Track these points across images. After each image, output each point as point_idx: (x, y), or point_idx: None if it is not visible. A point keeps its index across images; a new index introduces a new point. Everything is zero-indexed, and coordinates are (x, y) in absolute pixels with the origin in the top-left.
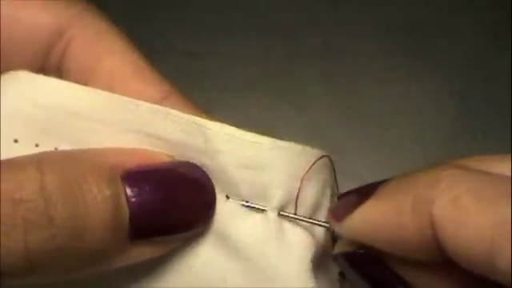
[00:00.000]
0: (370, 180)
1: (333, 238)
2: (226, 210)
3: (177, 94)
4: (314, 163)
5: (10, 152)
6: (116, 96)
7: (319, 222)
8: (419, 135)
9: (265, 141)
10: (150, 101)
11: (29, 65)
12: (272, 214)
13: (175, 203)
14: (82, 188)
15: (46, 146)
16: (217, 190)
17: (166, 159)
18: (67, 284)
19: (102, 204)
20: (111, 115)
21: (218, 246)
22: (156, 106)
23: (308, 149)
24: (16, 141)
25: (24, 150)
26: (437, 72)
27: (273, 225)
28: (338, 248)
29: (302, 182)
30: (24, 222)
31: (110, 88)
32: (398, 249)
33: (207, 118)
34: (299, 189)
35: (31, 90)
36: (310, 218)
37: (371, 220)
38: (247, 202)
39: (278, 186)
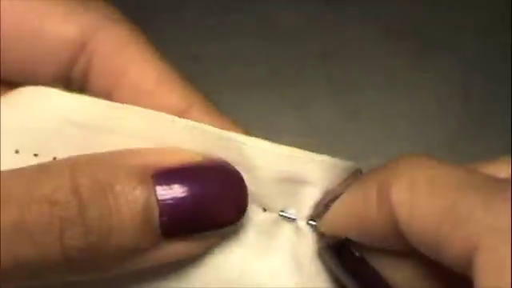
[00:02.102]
0: None
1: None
2: (262, 220)
3: (201, 103)
4: (348, 178)
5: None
6: (151, 112)
7: None
8: (421, 137)
9: (300, 154)
10: (173, 111)
11: (53, 76)
12: (301, 223)
13: (206, 200)
14: (114, 188)
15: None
16: (253, 203)
17: (198, 158)
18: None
19: (132, 203)
20: (146, 131)
21: (254, 258)
22: (192, 123)
23: (340, 162)
24: (36, 155)
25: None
26: (438, 74)
27: (302, 234)
28: (320, 243)
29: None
30: (60, 220)
31: (135, 99)
32: (368, 238)
33: (233, 126)
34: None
35: (55, 106)
36: None
37: (343, 212)
38: (282, 211)
39: (311, 198)
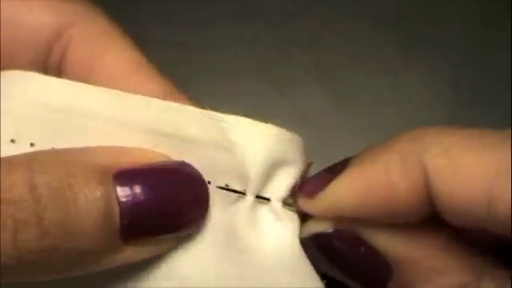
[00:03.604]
0: None
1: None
2: (245, 205)
3: (176, 91)
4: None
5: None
6: (126, 94)
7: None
8: (409, 126)
9: (276, 131)
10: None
11: (31, 64)
12: (277, 204)
13: (167, 203)
14: (73, 188)
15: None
16: (236, 184)
17: (160, 158)
18: (55, 282)
19: (92, 204)
20: (121, 113)
21: (232, 244)
22: (169, 103)
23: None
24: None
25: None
26: (427, 62)
27: (279, 216)
28: (307, 230)
29: (305, 169)
30: (14, 221)
31: (111, 86)
32: (385, 212)
33: None
34: (303, 175)
35: (37, 90)
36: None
37: (352, 188)
38: (258, 195)
39: (286, 178)
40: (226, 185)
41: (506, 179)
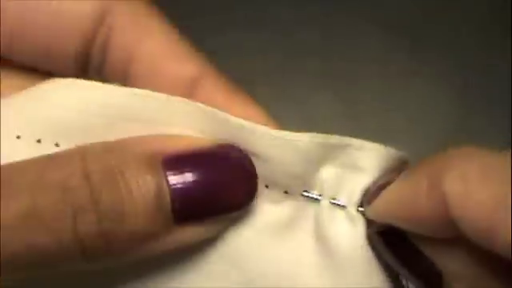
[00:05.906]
0: None
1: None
2: (319, 208)
3: (213, 75)
4: (396, 168)
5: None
6: (171, 98)
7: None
8: (418, 130)
9: (353, 142)
10: (186, 80)
11: (75, 54)
12: (352, 210)
13: (216, 185)
14: (125, 175)
15: None
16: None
17: (207, 143)
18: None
19: (143, 188)
20: (164, 118)
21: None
22: (217, 113)
23: (391, 151)
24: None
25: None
26: (435, 67)
27: (355, 221)
28: (372, 228)
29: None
30: (72, 207)
31: (151, 70)
32: (416, 228)
33: (242, 97)
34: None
35: (78, 96)
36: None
37: (392, 202)
38: (334, 198)
39: (361, 185)
40: (286, 192)
41: (502, 211)
